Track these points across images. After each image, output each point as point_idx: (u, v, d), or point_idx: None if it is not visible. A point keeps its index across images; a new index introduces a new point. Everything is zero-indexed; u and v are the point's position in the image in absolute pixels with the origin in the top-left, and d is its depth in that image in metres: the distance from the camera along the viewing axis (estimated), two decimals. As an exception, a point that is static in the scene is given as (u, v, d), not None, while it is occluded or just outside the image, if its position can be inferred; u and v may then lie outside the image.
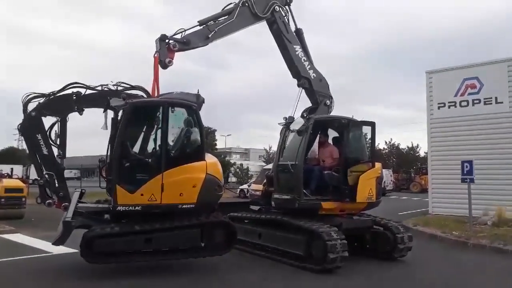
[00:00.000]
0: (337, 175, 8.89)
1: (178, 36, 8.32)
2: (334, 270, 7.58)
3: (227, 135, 67.28)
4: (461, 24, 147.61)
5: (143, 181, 7.19)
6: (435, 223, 14.22)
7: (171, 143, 7.71)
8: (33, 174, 45.49)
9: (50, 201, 7.69)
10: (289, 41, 9.60)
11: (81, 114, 7.95)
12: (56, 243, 7.41)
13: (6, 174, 19.57)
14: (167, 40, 8.16)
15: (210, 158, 7.94)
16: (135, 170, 7.38)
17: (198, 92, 7.75)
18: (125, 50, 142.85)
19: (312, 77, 9.80)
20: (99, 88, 7.97)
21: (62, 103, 7.78)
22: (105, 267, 7.26)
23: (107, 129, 7.73)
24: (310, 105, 9.91)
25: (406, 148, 57.94)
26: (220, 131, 62.57)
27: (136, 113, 7.48)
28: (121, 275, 7.12)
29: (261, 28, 9.64)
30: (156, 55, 8.08)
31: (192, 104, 7.55)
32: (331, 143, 9.62)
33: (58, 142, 7.83)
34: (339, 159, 9.11)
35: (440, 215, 16.62)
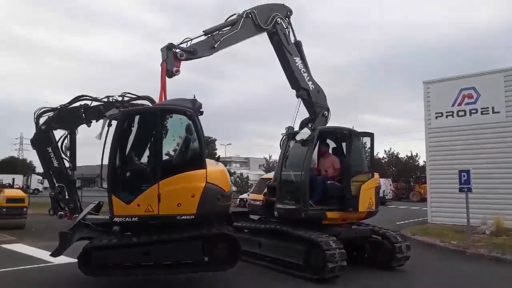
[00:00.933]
0: (339, 185, 9.03)
1: (184, 45, 8.35)
2: (333, 280, 7.67)
3: (227, 144, 67.40)
4: (461, 34, 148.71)
5: (139, 191, 6.95)
6: (433, 232, 14.31)
7: (167, 151, 7.39)
8: (33, 184, 45.64)
9: (61, 213, 7.77)
10: (289, 53, 9.79)
11: (89, 126, 7.95)
12: (54, 254, 7.39)
13: (7, 184, 19.64)
14: (174, 49, 8.14)
15: (214, 165, 7.62)
16: (131, 180, 7.27)
17: (194, 97, 7.52)
18: (124, 62, 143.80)
19: (311, 89, 9.99)
20: (105, 99, 7.97)
21: (71, 116, 7.87)
22: (106, 279, 7.21)
23: (100, 138, 7.68)
24: (307, 116, 10.06)
25: (406, 157, 57.98)
26: (220, 140, 62.70)
27: (128, 121, 7.33)
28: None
29: (260, 38, 9.83)
30: (163, 64, 8.02)
31: (186, 110, 7.17)
32: (331, 153, 9.73)
33: (68, 155, 7.92)
34: (340, 169, 9.24)
35: (439, 224, 16.71)
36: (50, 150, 7.75)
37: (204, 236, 7.01)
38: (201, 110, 7.64)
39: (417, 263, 9.36)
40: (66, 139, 7.94)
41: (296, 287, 7.53)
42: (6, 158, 69.50)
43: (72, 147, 7.94)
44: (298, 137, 8.96)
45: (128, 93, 8.11)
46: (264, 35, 9.75)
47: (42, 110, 7.87)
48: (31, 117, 7.90)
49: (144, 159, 7.58)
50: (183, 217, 6.84)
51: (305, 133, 8.85)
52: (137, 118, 7.50)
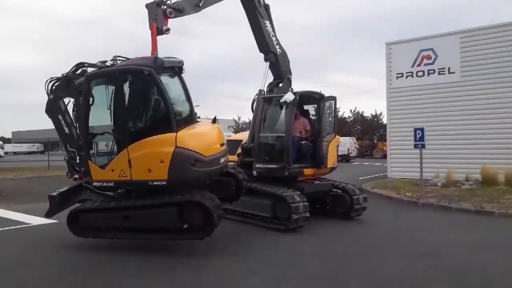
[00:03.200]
0: (312, 145, 9.81)
1: (168, 2, 8.12)
2: (297, 229, 8.43)
3: (196, 106, 66.54)
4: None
5: (111, 156, 6.98)
6: (391, 186, 15.46)
7: (132, 114, 7.02)
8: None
9: (76, 175, 8.04)
10: (261, 15, 10.01)
11: None
12: (47, 215, 7.77)
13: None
14: (162, 6, 7.94)
15: (198, 127, 7.23)
16: (102, 145, 7.31)
17: (156, 55, 7.02)
18: (86, 19, 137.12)
19: (278, 53, 10.36)
20: (100, 65, 7.77)
21: (71, 84, 7.84)
22: (88, 240, 7.45)
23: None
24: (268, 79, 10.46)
25: (370, 115, 59.68)
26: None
27: (91, 85, 7.08)
28: (99, 248, 7.31)
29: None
30: (153, 23, 7.66)
31: (144, 69, 6.68)
32: (300, 116, 10.22)
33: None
34: (311, 130, 10.00)
35: (397, 178, 17.98)
36: (60, 118, 7.92)
37: (176, 202, 6.80)
38: (182, 67, 7.31)
39: (373, 213, 10.31)
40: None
41: (265, 236, 8.19)
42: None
43: (78, 114, 7.89)
44: (283, 100, 9.30)
45: (119, 56, 7.87)
46: None
47: (51, 80, 7.93)
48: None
49: (111, 123, 7.20)
50: (155, 183, 6.64)
51: (290, 97, 9.26)
52: (99, 81, 7.21)
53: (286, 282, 5.60)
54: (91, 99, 7.02)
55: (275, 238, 8.07)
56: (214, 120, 7.84)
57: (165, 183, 6.60)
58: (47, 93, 7.91)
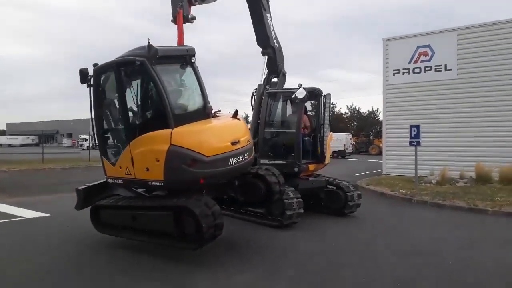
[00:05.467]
0: (313, 141, 9.89)
1: None
2: (291, 225, 8.40)
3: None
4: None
5: (117, 153, 6.70)
6: (386, 183, 15.46)
7: (132, 109, 6.54)
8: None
9: None
10: (264, 8, 9.96)
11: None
12: (76, 207, 7.56)
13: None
14: None
15: (200, 123, 6.36)
16: (111, 141, 7.04)
17: (148, 43, 6.20)
18: (81, 11, 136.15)
19: (276, 47, 10.30)
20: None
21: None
22: (74, 233, 7.54)
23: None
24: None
25: (367, 112, 59.81)
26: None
27: (98, 79, 6.80)
28: (89, 242, 7.30)
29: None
30: (180, 10, 7.58)
31: (135, 59, 6.15)
32: None
33: None
34: (310, 126, 10.03)
35: (392, 175, 18.00)
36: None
37: (173, 207, 6.22)
38: (193, 56, 6.58)
39: (367, 210, 10.30)
40: None
41: (258, 232, 8.13)
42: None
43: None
44: (297, 96, 9.20)
45: None
46: None
47: None
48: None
49: (117, 119, 6.93)
50: (153, 183, 6.16)
51: (302, 92, 9.19)
52: (104, 75, 6.84)
53: (277, 279, 5.57)
54: (100, 92, 6.85)
55: (269, 234, 8.03)
56: (235, 115, 6.98)
57: (162, 184, 6.07)
58: None
